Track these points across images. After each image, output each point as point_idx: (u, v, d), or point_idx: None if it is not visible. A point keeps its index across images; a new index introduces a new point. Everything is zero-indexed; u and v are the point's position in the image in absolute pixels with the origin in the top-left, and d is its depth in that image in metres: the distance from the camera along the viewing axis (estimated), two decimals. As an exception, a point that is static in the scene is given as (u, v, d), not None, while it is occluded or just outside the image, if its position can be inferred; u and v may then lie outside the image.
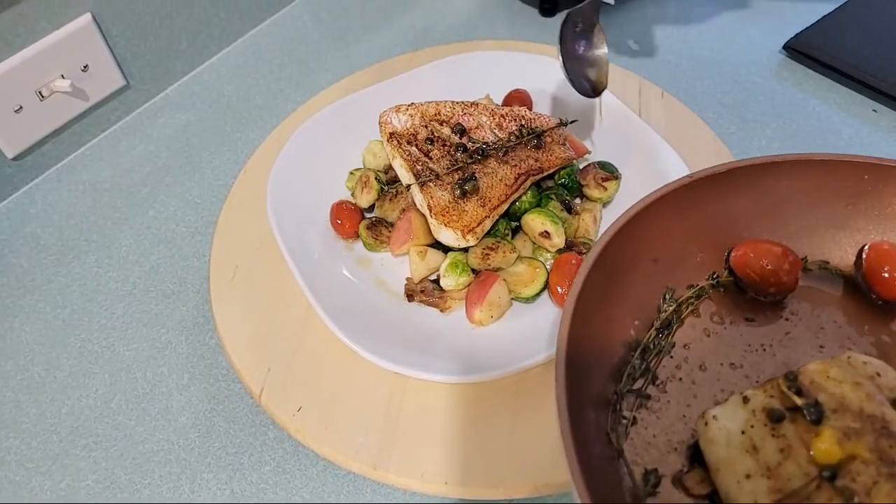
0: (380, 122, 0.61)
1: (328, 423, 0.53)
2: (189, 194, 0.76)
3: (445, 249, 0.59)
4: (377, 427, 0.52)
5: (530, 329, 0.55)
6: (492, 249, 0.56)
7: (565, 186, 0.61)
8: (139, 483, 0.56)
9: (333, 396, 0.54)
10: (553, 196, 0.59)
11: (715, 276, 0.48)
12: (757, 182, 0.47)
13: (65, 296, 0.68)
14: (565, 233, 0.57)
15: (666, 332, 0.45)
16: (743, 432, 0.37)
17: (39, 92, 0.74)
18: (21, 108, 0.73)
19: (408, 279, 0.59)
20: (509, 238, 0.58)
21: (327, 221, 0.63)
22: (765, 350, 0.45)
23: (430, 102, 0.61)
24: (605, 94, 0.69)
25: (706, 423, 0.39)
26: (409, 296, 0.58)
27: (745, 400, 0.39)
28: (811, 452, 0.35)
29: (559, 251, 0.57)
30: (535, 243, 0.58)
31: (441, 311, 0.57)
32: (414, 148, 0.59)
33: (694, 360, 0.44)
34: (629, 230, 0.43)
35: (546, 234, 0.56)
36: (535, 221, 0.57)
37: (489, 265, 0.56)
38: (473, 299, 0.55)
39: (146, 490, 0.55)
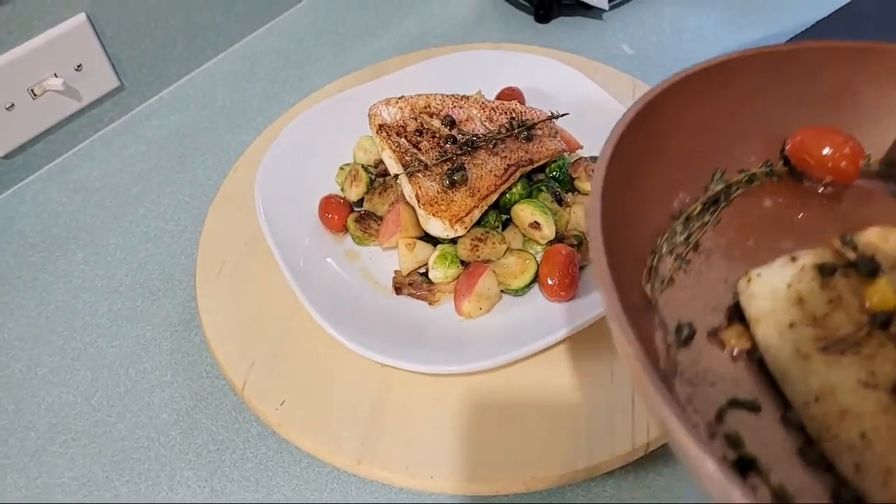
0: (369, 115, 0.60)
1: (312, 417, 0.51)
2: (179, 193, 0.75)
3: (434, 242, 0.58)
4: (362, 421, 0.50)
5: (520, 321, 0.54)
6: (481, 241, 0.55)
7: (556, 179, 0.60)
8: (117, 480, 0.54)
9: (318, 390, 0.52)
10: (544, 188, 0.58)
11: (769, 163, 0.44)
12: (819, 67, 0.42)
13: (49, 293, 0.66)
14: (556, 225, 0.56)
15: (713, 208, 0.42)
16: (789, 286, 0.34)
17: (32, 90, 0.74)
18: (13, 105, 0.73)
19: (396, 272, 0.58)
20: (499, 230, 0.57)
21: (316, 216, 0.62)
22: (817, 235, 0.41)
23: (420, 95, 0.61)
24: (598, 91, 0.68)
25: (749, 280, 0.36)
26: (398, 289, 0.57)
27: (794, 259, 0.35)
28: (864, 303, 0.32)
29: (549, 243, 0.56)
30: (525, 235, 0.57)
31: (430, 304, 0.56)
32: (403, 139, 0.58)
33: (740, 237, 0.41)
34: (683, 89, 0.39)
35: (536, 225, 0.55)
36: (524, 212, 0.55)
37: (478, 257, 0.55)
38: (462, 291, 0.54)
39: (124, 488, 0.53)
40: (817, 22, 0.84)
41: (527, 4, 0.93)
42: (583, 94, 0.69)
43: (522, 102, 0.68)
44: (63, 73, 0.75)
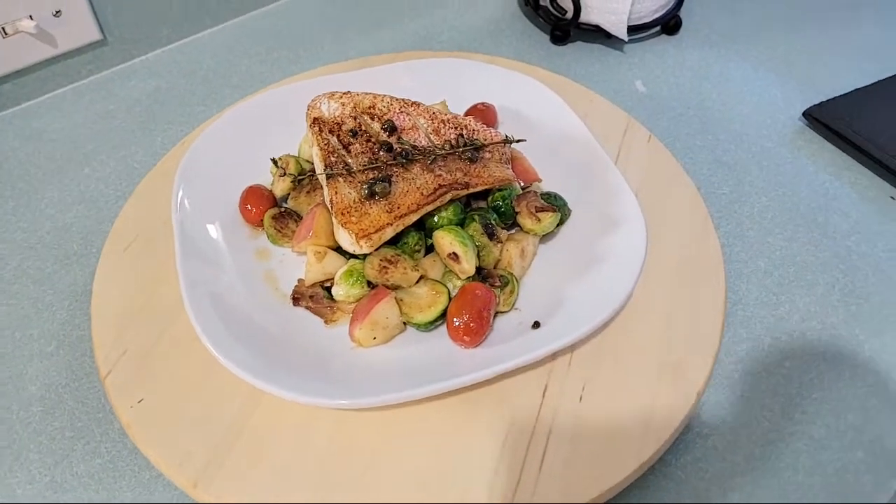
0: (308, 106, 0.55)
1: (164, 423, 0.46)
2: (131, 158, 0.72)
3: (348, 256, 0.52)
4: (214, 440, 0.45)
5: (416, 360, 0.48)
6: (390, 263, 0.49)
7: (497, 210, 0.53)
8: (-40, 449, 0.50)
9: (180, 396, 0.47)
10: (477, 217, 0.52)
11: None
12: None
13: (-35, 237, 0.63)
14: (482, 260, 0.50)
15: None
16: None
17: (3, 28, 0.71)
18: (-20, 40, 0.70)
19: (300, 281, 0.52)
20: (420, 255, 0.51)
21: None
22: None
23: (368, 93, 0.55)
24: (579, 126, 0.62)
25: None
26: (296, 299, 0.51)
27: None
28: None
29: (469, 279, 0.50)
30: (447, 266, 0.51)
31: (326, 322, 0.50)
32: (334, 137, 0.52)
33: None
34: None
35: (454, 257, 0.49)
36: (444, 240, 0.49)
37: (387, 280, 0.49)
38: (357, 315, 0.48)
39: (-36, 458, 0.49)
40: (854, 90, 0.75)
41: (545, 23, 0.87)
42: (562, 124, 0.63)
43: (492, 121, 0.62)
44: (39, 17, 0.73)
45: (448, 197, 0.50)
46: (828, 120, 0.73)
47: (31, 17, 0.72)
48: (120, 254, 0.56)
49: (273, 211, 0.55)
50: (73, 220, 0.65)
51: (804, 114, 0.75)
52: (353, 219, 0.48)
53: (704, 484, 0.48)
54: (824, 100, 0.75)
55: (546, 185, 0.59)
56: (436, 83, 0.65)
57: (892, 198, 0.67)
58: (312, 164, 0.59)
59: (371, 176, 0.50)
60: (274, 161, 0.57)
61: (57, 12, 0.74)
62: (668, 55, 0.84)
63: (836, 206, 0.67)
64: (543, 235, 0.55)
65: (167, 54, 0.84)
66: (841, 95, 0.75)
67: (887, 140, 0.69)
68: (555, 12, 0.83)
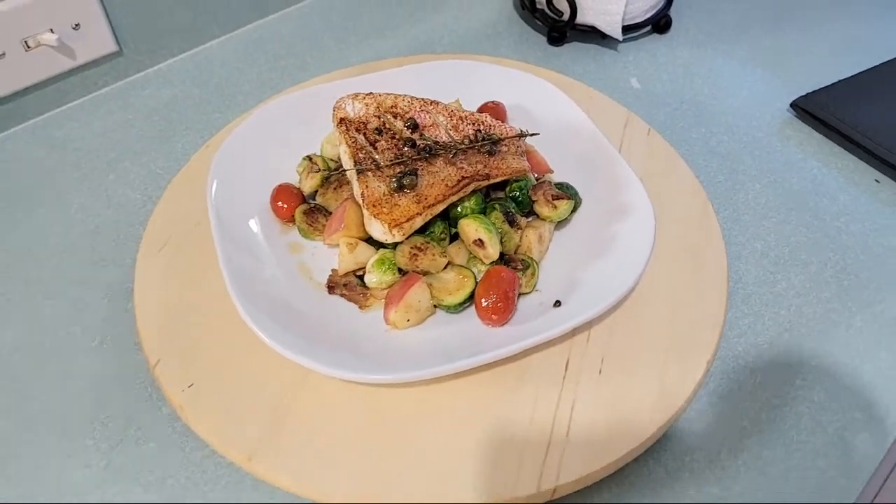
0: (334, 107, 0.58)
1: (216, 405, 0.49)
2: (153, 164, 0.74)
3: (378, 246, 0.55)
4: (264, 417, 0.49)
5: (447, 339, 0.51)
6: (420, 250, 0.53)
7: (515, 199, 0.57)
8: (18, 439, 0.53)
9: (228, 380, 0.51)
10: (498, 206, 0.56)
11: None
12: None
13: (3, 241, 0.66)
14: (504, 246, 0.54)
15: None
16: None
17: (25, 42, 0.74)
18: (4, 55, 0.73)
19: (333, 271, 0.56)
20: (445, 242, 0.55)
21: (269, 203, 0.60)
22: None
23: (389, 94, 0.59)
24: (585, 120, 0.66)
25: None
26: (331, 287, 0.55)
27: None
28: None
29: (493, 264, 0.53)
30: (471, 253, 0.55)
31: (360, 307, 0.54)
32: (361, 136, 0.56)
33: None
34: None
35: (480, 243, 0.53)
36: (469, 227, 0.53)
37: (417, 267, 0.53)
38: (392, 299, 0.51)
39: (25, 447, 0.52)
40: (839, 81, 0.80)
41: (542, 25, 0.92)
42: (569, 119, 0.66)
43: (503, 118, 0.66)
44: (59, 30, 0.76)
45: (471, 188, 0.54)
46: (814, 110, 0.77)
47: (51, 30, 0.75)
48: (155, 255, 0.59)
49: (304, 207, 0.59)
50: (103, 225, 0.68)
51: (791, 105, 0.79)
52: (384, 210, 0.52)
53: (716, 446, 0.52)
54: (810, 91, 0.79)
55: (557, 177, 0.63)
56: (445, 84, 0.69)
57: (876, 181, 0.72)
58: (336, 162, 0.62)
59: (398, 170, 0.54)
60: (309, 158, 0.61)
61: (76, 25, 0.77)
62: (660, 53, 0.89)
63: (825, 191, 0.71)
64: (558, 222, 0.59)
65: (179, 63, 0.87)
66: (825, 87, 0.80)
67: (870, 127, 0.74)
68: (552, 14, 0.87)
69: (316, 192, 0.60)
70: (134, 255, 0.64)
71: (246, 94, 0.83)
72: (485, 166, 0.55)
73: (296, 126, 0.65)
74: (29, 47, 0.74)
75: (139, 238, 0.66)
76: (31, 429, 0.53)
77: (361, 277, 0.55)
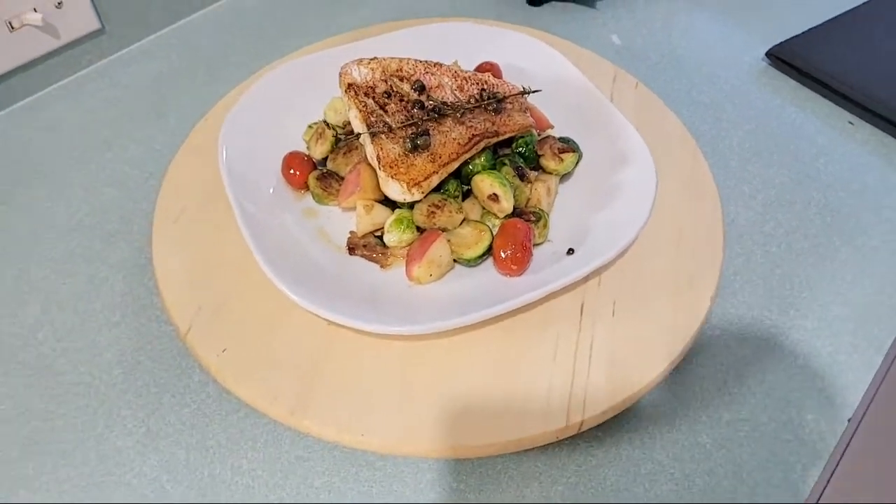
0: (340, 73, 0.59)
1: (251, 367, 0.51)
2: (149, 140, 0.75)
3: (393, 206, 0.57)
4: (300, 374, 0.50)
5: (469, 291, 0.54)
6: (438, 207, 0.55)
7: (522, 155, 0.60)
8: (54, 413, 0.54)
9: (261, 341, 0.52)
10: (507, 162, 0.58)
11: None
12: None
13: (8, 225, 0.66)
14: (515, 199, 0.56)
15: None
16: None
17: (10, 23, 0.73)
18: (-11, 36, 0.72)
19: (352, 232, 0.57)
20: (459, 199, 0.57)
21: (279, 171, 0.62)
22: None
23: (393, 58, 0.60)
24: (577, 75, 0.68)
25: None
26: (351, 249, 0.57)
27: None
28: None
29: (507, 217, 0.56)
30: (483, 208, 0.57)
31: (382, 266, 0.56)
32: (370, 100, 0.57)
33: None
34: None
35: (494, 198, 0.55)
36: (484, 183, 0.55)
37: (434, 224, 0.55)
38: (414, 256, 0.54)
39: (60, 420, 0.54)
40: (809, 29, 0.84)
41: (521, -14, 0.93)
42: (562, 75, 0.69)
43: (499, 77, 0.68)
44: (43, 9, 0.75)
45: (482, 145, 0.56)
46: (788, 58, 0.81)
47: (35, 9, 0.74)
48: (171, 225, 0.60)
49: (316, 173, 0.60)
50: (107, 202, 0.68)
51: (766, 54, 0.83)
52: (402, 171, 0.54)
53: (722, 375, 0.56)
54: (783, 40, 0.83)
55: (556, 132, 0.65)
56: (439, 47, 0.70)
57: (850, 123, 0.76)
58: (342, 128, 0.64)
59: (410, 132, 0.56)
60: (326, 122, 0.62)
61: (59, 4, 0.76)
62: (638, 9, 0.91)
63: (804, 134, 0.75)
64: (563, 175, 0.61)
65: (163, 38, 0.87)
66: (797, 35, 0.83)
67: (842, 72, 0.78)
68: (531, -25, 0.89)
69: (325, 158, 0.62)
70: (143, 231, 0.65)
71: (234, 65, 0.83)
72: (493, 124, 0.57)
73: (299, 94, 0.66)
74: (13, 28, 0.73)
75: (146, 214, 0.67)
76: (65, 403, 0.54)
77: (380, 237, 0.57)
